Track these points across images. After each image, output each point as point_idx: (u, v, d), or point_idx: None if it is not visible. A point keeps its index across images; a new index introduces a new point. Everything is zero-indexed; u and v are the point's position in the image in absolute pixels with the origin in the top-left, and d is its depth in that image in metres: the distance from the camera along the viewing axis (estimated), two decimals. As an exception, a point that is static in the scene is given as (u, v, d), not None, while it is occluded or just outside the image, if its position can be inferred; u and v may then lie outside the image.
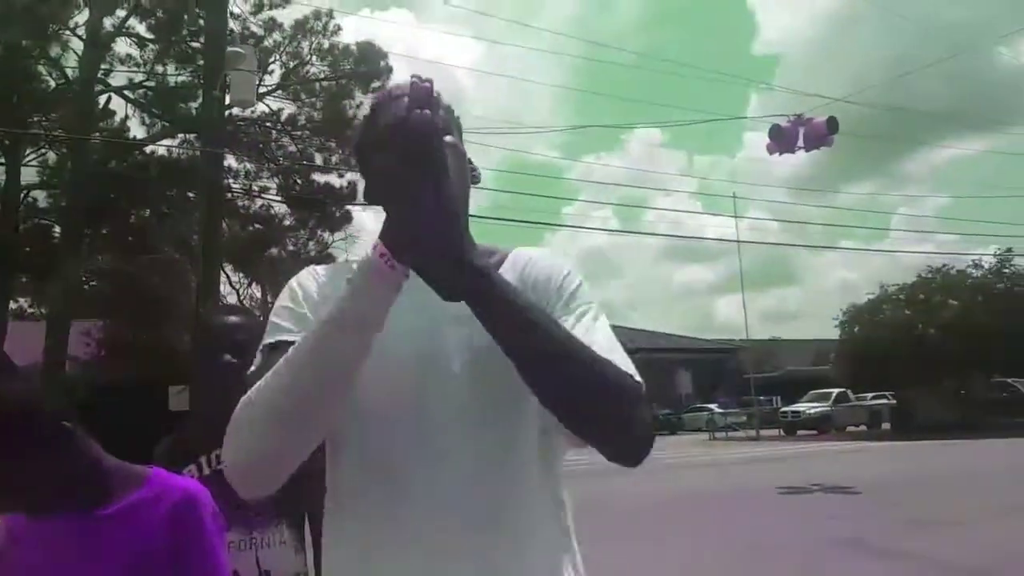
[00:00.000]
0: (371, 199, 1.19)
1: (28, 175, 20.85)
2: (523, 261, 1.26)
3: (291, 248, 25.05)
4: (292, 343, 1.07)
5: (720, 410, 38.78)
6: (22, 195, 20.87)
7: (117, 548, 1.28)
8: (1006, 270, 29.33)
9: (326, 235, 26.25)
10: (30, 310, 23.46)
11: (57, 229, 20.96)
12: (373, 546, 1.12)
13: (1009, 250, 29.85)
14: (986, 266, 29.65)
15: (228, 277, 27.83)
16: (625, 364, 1.11)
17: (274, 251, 23.22)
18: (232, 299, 30.31)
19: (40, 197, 21.78)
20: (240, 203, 22.50)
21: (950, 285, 29.12)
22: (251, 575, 1.78)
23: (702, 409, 39.87)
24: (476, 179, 1.21)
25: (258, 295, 28.43)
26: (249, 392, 1.06)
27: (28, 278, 21.84)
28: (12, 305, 21.65)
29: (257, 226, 23.37)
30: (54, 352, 17.84)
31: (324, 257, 37.12)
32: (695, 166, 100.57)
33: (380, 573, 1.11)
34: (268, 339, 1.20)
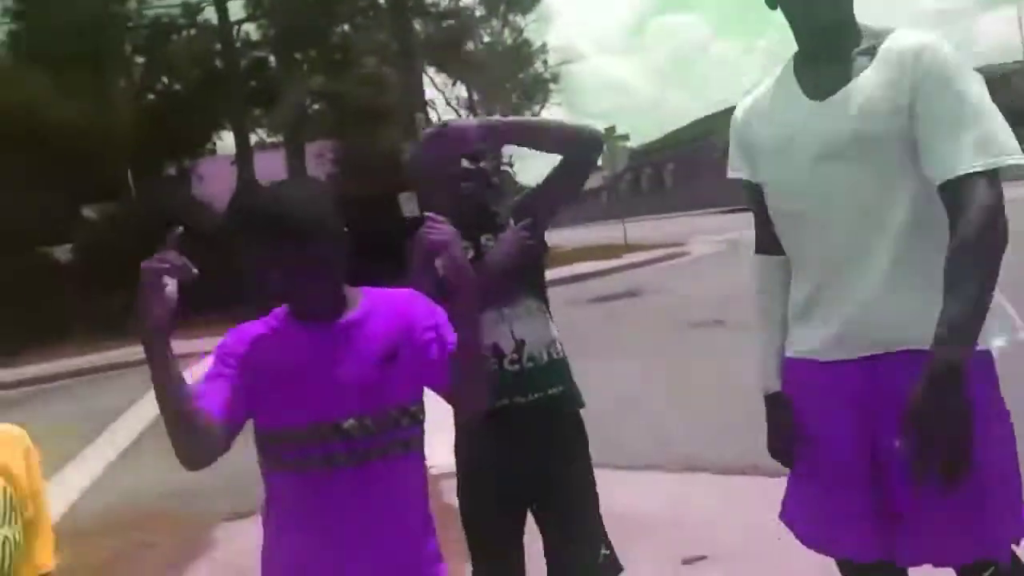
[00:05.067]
0: None
1: (235, 9, 21.73)
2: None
3: (486, 40, 24.63)
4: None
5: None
6: (235, 31, 21.91)
7: (364, 341, 1.48)
8: None
9: (518, 19, 25.45)
10: (269, 140, 25.43)
11: (272, 59, 22.04)
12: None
13: None
14: None
15: (431, 80, 28.21)
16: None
17: (470, 45, 22.99)
18: (439, 101, 30.85)
19: (251, 30, 22.78)
20: (428, 0, 22.08)
21: None
22: (508, 345, 1.98)
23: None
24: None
25: (463, 94, 28.73)
26: None
27: (259, 109, 23.46)
28: (253, 138, 23.51)
29: (449, 22, 22.98)
30: (296, 174, 19.31)
31: (521, 44, 36.41)
32: None
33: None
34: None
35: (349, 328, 1.50)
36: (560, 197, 2.22)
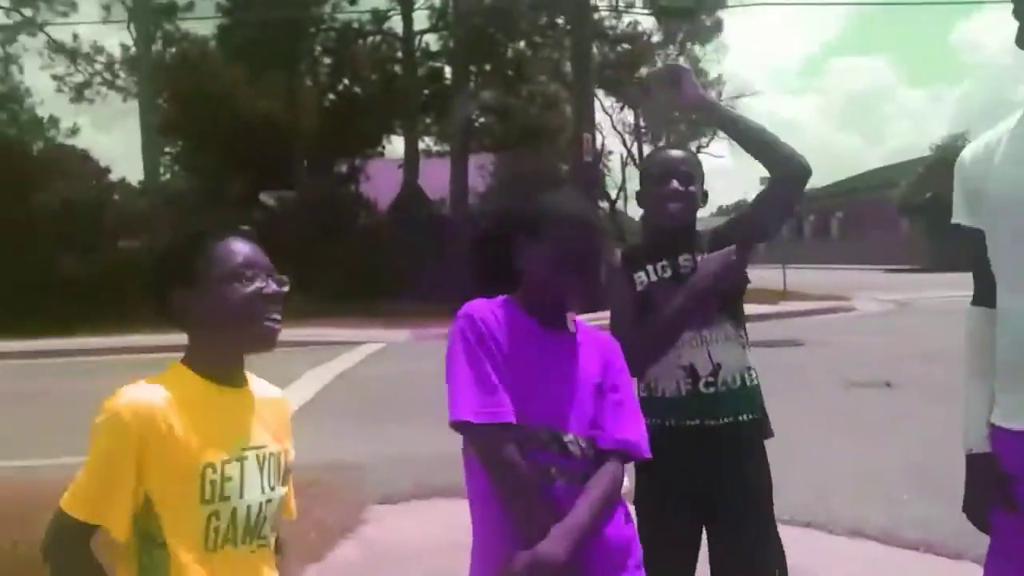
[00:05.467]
0: None
1: (419, 19, 22.65)
2: None
3: (658, 66, 24.27)
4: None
5: None
6: (416, 40, 22.83)
7: (583, 363, 1.54)
8: None
9: (695, 48, 24.91)
10: (435, 148, 26.31)
11: (448, 70, 22.78)
12: None
13: None
14: None
15: (600, 103, 28.21)
16: None
17: (643, 71, 22.78)
18: (606, 124, 30.83)
19: (431, 40, 23.66)
20: (607, 23, 22.11)
21: None
22: (705, 368, 2.03)
23: None
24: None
25: (630, 120, 28.56)
26: None
27: (431, 118, 24.30)
28: (420, 145, 24.38)
29: (625, 46, 22.91)
30: (457, 184, 19.81)
31: (698, 72, 35.79)
32: None
33: None
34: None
35: (578, 343, 1.55)
36: (763, 225, 2.22)
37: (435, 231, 17.23)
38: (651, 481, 1.99)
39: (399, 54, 22.64)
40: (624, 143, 34.89)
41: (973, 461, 1.64)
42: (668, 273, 2.09)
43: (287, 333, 1.40)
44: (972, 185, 1.62)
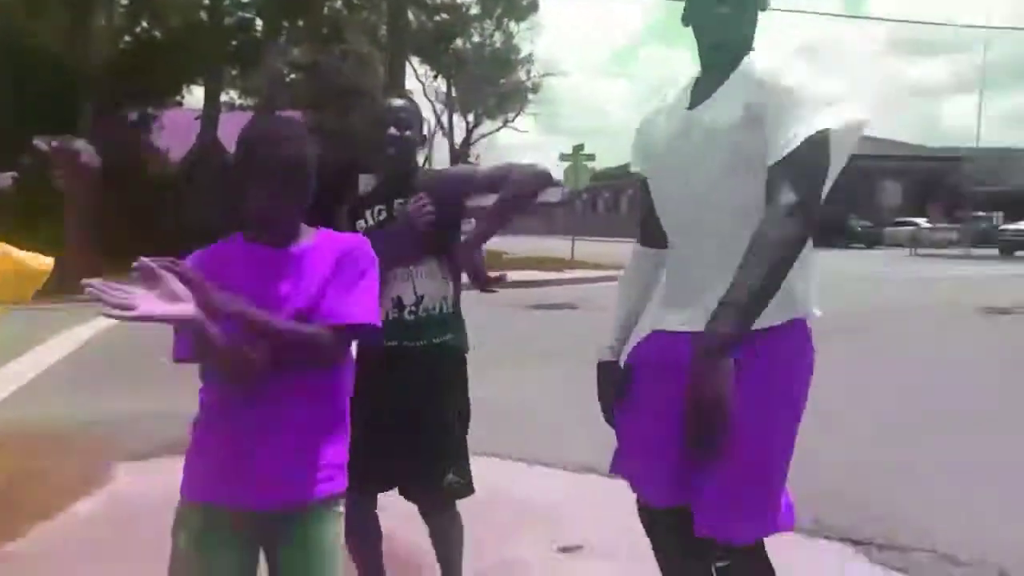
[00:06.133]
0: None
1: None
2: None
3: (476, 39, 24.63)
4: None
5: (928, 225, 35.60)
6: (225, -12, 21.57)
7: (302, 276, 1.62)
8: None
9: (511, 25, 25.52)
10: (239, 101, 25.08)
11: (259, 22, 21.77)
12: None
13: None
14: None
15: (414, 69, 28.15)
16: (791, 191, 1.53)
17: (459, 43, 23.03)
18: (418, 91, 30.85)
19: (242, -11, 22.42)
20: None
21: None
22: (409, 298, 2.32)
23: (906, 223, 36.70)
24: (764, 5, 1.76)
25: (443, 88, 28.69)
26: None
27: (236, 71, 23.13)
28: (223, 97, 23.17)
29: (443, 16, 23.01)
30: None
31: (512, 51, 36.59)
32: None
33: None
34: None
35: (299, 255, 1.65)
36: (474, 194, 2.43)
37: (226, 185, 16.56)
38: (359, 398, 2.11)
39: (206, 0, 21.33)
40: (435, 111, 35.10)
41: (599, 368, 1.97)
42: (383, 216, 2.33)
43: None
44: (641, 139, 1.92)
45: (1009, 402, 5.79)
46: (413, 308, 2.31)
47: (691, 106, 1.77)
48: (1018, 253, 27.53)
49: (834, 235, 33.59)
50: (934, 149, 48.42)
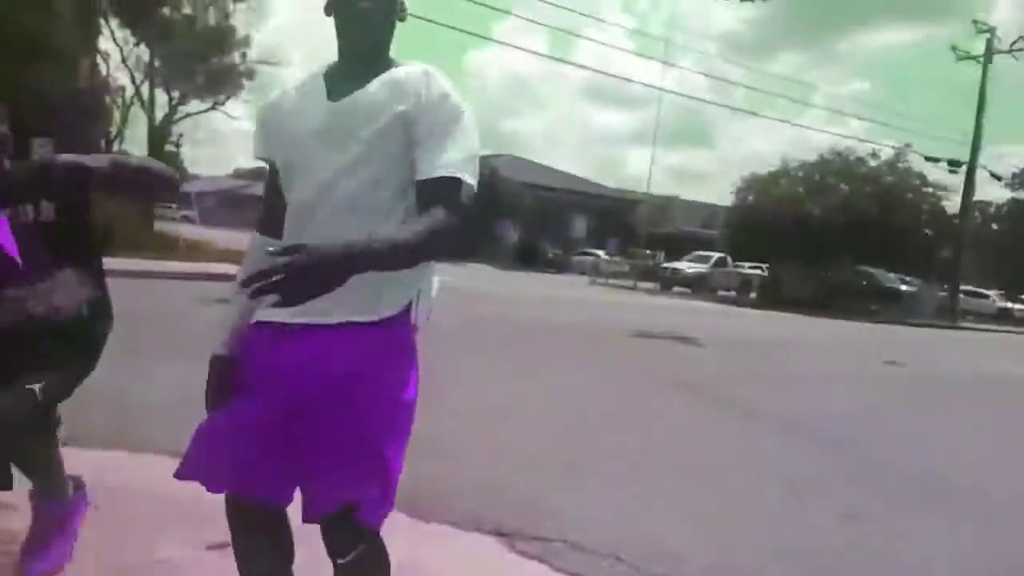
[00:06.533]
0: None
1: None
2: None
3: (186, 11, 22.77)
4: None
5: (606, 257, 39.85)
6: None
7: None
8: (900, 164, 30.41)
9: (228, 3, 24.03)
10: None
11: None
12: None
13: (907, 145, 30.84)
14: (883, 157, 30.65)
15: (112, 32, 25.41)
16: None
17: (167, 11, 21.22)
18: (115, 56, 27.91)
19: None
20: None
21: (847, 171, 30.01)
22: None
23: (590, 254, 40.83)
24: (403, 17, 1.81)
25: (145, 57, 26.19)
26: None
27: None
28: None
29: (150, -21, 21.17)
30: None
31: (226, 30, 34.53)
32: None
33: None
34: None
35: None
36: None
37: None
38: None
39: None
40: (133, 80, 31.93)
41: (210, 362, 1.90)
42: None
43: None
44: (270, 126, 1.85)
45: (656, 411, 6.73)
46: None
47: (332, 97, 1.78)
48: (675, 288, 31.83)
49: (530, 259, 36.65)
50: (615, 191, 54.41)
